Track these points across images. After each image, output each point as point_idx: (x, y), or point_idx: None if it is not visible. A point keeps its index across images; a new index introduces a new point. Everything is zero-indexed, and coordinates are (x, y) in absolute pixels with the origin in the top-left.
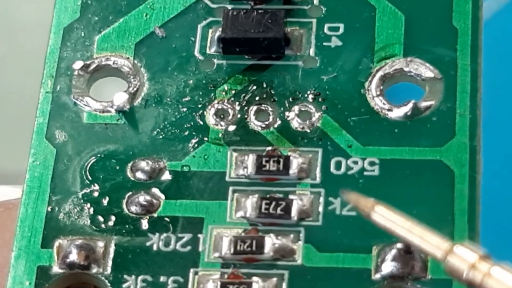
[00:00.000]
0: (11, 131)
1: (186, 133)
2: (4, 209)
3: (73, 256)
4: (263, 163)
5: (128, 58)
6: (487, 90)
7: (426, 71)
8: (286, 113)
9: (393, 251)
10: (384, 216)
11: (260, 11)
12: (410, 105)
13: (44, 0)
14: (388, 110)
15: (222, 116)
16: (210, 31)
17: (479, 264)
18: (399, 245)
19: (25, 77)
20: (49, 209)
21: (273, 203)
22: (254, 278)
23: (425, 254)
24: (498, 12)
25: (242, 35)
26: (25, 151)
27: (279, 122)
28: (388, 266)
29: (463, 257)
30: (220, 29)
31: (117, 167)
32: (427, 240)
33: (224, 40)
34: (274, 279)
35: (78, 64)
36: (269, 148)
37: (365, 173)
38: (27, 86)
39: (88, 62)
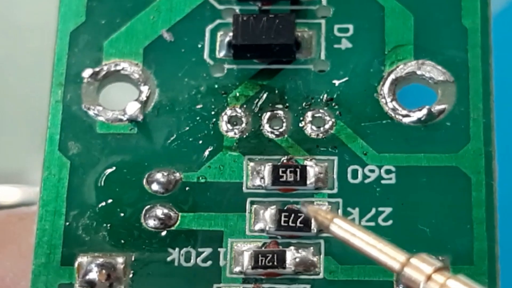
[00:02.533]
0: (10, 131)
1: (200, 142)
2: (18, 219)
3: (94, 275)
4: (280, 173)
5: (137, 64)
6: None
7: (438, 74)
8: (300, 120)
9: None
10: (343, 228)
11: (270, 16)
12: (425, 110)
13: (44, 1)
14: (402, 115)
15: (235, 123)
16: (219, 34)
17: (435, 275)
18: None
19: (25, 78)
20: (67, 224)
21: (292, 215)
22: None
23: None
24: (499, 13)
25: (253, 41)
26: (24, 150)
27: (293, 129)
28: None
29: (420, 269)
30: (230, 33)
31: (133, 179)
32: (385, 252)
33: (235, 47)
34: None
35: (87, 72)
36: (285, 157)
37: (382, 181)
38: (26, 86)
39: (97, 69)
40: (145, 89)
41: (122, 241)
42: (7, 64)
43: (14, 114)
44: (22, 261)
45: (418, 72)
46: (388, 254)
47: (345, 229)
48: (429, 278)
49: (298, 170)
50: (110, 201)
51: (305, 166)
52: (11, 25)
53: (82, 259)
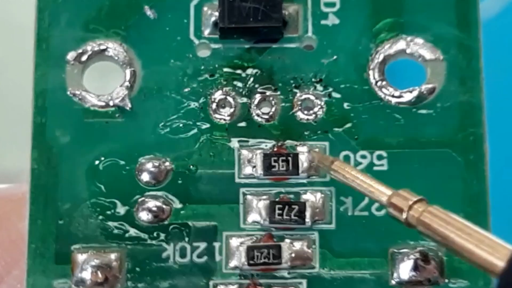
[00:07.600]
0: (11, 130)
1: (189, 128)
2: (6, 202)
3: (90, 275)
4: (272, 163)
5: (120, 44)
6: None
7: (428, 52)
8: (289, 103)
9: (411, 261)
10: (342, 168)
11: None
12: (415, 92)
13: None
14: (392, 96)
15: (223, 105)
16: (204, 10)
17: (415, 205)
18: (416, 254)
19: (23, 77)
20: (59, 221)
21: (286, 207)
22: None
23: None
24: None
25: (240, 24)
26: (23, 150)
27: (282, 113)
28: (406, 273)
29: (403, 201)
30: (215, 13)
31: (123, 170)
32: (376, 188)
33: (222, 30)
34: None
35: (71, 56)
36: (276, 143)
37: (374, 168)
38: (25, 86)
39: (80, 51)
40: (129, 71)
41: (116, 238)
42: (5, 65)
43: (14, 113)
44: (13, 248)
45: (408, 51)
46: (378, 190)
47: (345, 170)
48: (410, 207)
49: (290, 158)
50: (101, 194)
51: (297, 154)
52: (10, 25)
53: (76, 256)
